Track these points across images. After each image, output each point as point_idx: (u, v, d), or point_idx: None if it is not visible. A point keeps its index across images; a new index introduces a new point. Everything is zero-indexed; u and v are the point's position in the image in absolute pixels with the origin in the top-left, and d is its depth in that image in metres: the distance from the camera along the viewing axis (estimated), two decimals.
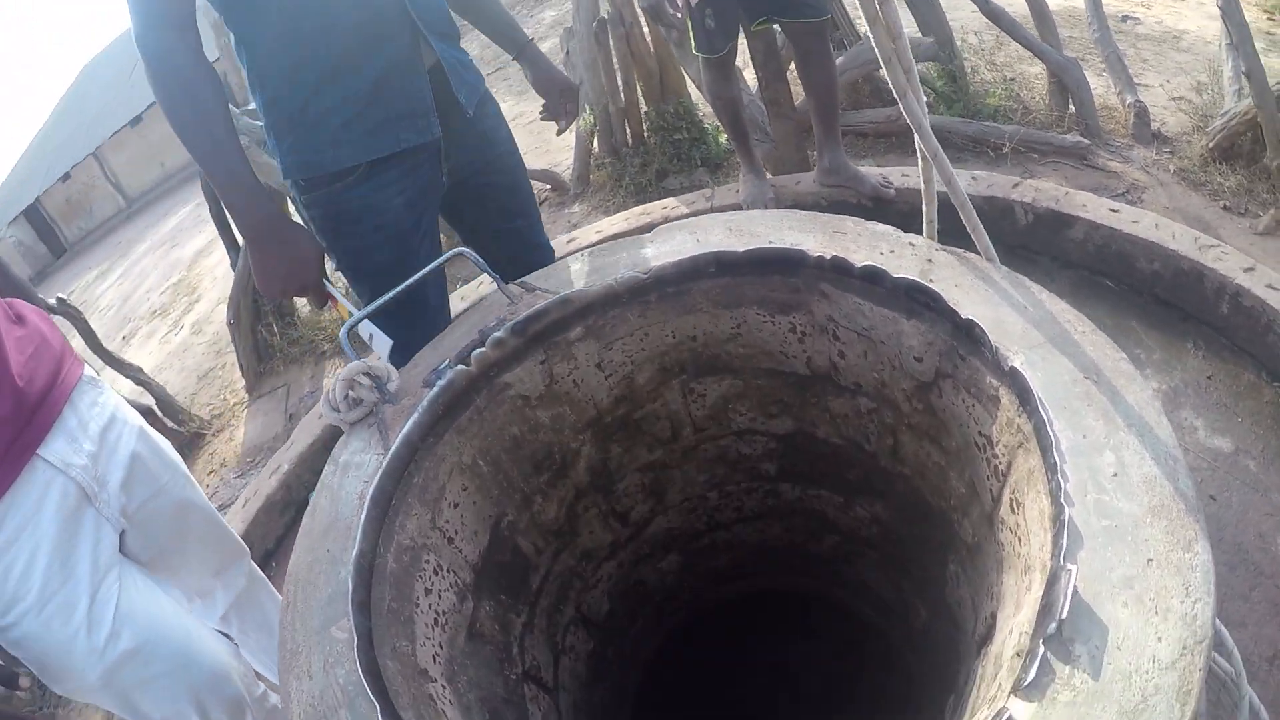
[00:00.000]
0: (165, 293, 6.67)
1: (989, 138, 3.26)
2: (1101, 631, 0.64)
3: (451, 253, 1.20)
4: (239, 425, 3.47)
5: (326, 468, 1.04)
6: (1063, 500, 0.73)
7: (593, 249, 1.20)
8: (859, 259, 1.02)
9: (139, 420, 1.44)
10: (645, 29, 3.45)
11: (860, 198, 2.85)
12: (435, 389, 1.02)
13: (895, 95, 0.92)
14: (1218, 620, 0.80)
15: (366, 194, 1.45)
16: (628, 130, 3.72)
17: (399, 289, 1.14)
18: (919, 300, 0.98)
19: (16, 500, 1.18)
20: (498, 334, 1.06)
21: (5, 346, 1.20)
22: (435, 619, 0.98)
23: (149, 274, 8.02)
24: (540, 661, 1.26)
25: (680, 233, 1.16)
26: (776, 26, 2.74)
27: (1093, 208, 2.45)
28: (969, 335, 0.93)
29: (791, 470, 1.44)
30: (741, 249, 1.07)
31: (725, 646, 1.83)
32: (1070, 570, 0.67)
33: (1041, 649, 0.64)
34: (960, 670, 1.11)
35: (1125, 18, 5.27)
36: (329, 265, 1.47)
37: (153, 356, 5.28)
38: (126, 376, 3.43)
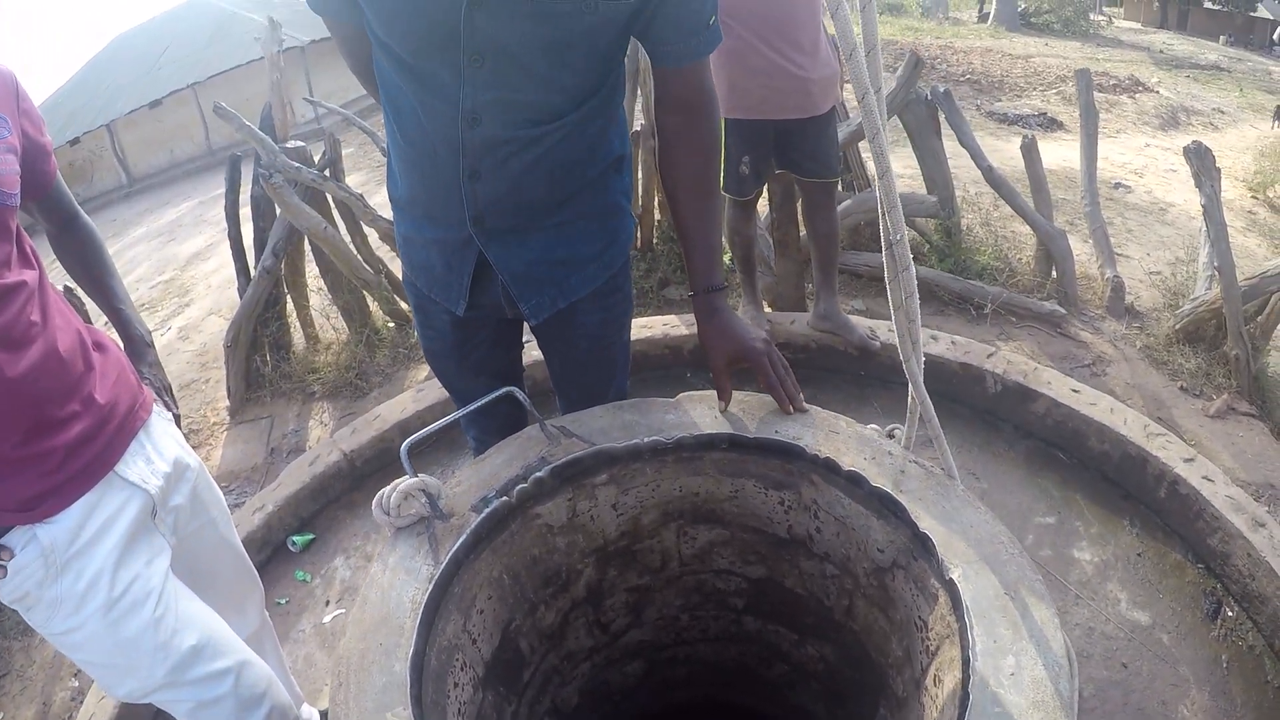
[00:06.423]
0: (156, 287, 6.50)
1: (973, 296, 3.53)
2: None
3: (501, 391, 1.34)
4: (216, 446, 3.53)
5: (375, 565, 1.21)
6: (969, 689, 0.95)
7: (624, 404, 1.40)
8: (846, 461, 1.23)
9: (198, 458, 1.60)
10: None
11: (848, 346, 3.10)
12: (482, 516, 1.21)
13: (902, 359, 1.15)
14: None
15: (420, 299, 1.58)
16: (638, 235, 3.95)
17: (446, 420, 1.29)
18: (888, 507, 1.19)
19: (98, 509, 1.32)
20: (540, 474, 1.26)
21: (95, 372, 1.35)
22: (459, 708, 1.16)
23: (140, 262, 7.84)
24: None
25: (701, 405, 1.37)
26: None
27: (1056, 386, 2.70)
28: (923, 545, 1.14)
29: (757, 607, 1.64)
30: (752, 434, 1.29)
31: None
32: None
33: None
34: None
35: (1117, 185, 5.64)
36: None
37: None
38: None
